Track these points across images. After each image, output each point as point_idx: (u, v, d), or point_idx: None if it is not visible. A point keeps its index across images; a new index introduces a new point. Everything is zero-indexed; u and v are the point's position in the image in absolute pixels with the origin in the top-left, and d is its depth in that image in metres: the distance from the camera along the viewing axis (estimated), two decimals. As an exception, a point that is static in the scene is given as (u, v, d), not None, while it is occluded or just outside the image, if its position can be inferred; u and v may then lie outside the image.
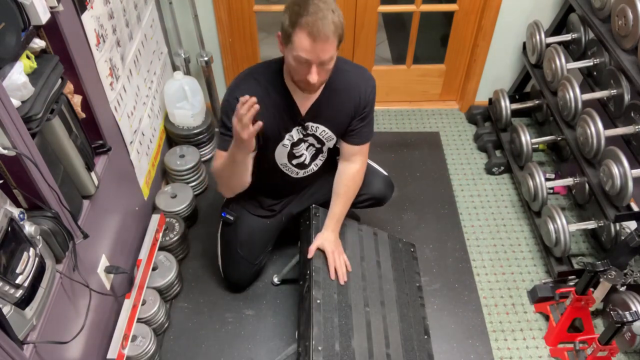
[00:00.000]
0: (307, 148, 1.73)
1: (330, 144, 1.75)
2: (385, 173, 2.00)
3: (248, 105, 1.31)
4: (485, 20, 2.48)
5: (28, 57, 1.24)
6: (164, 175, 2.39)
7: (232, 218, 1.89)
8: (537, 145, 2.41)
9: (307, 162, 1.77)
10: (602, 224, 2.03)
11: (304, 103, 1.61)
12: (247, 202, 1.92)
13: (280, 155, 1.72)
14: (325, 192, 1.83)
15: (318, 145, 1.73)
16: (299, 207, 1.93)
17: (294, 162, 1.75)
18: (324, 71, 1.43)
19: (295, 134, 1.66)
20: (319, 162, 1.81)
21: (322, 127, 1.67)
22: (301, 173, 1.80)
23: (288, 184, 1.85)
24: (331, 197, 1.78)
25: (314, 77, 1.39)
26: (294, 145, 1.69)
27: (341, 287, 1.66)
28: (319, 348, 1.46)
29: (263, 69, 1.60)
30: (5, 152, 1.09)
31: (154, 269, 1.91)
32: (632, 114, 1.84)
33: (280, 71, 1.57)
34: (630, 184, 1.69)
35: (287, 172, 1.78)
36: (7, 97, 1.09)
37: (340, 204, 1.75)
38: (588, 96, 2.00)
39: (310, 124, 1.65)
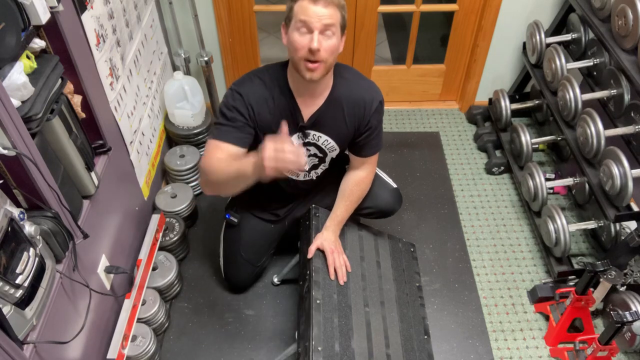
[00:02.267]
0: (308, 157, 1.70)
1: (333, 154, 1.72)
2: (394, 185, 1.96)
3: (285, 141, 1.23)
4: (485, 20, 2.48)
5: (28, 57, 1.24)
6: (164, 175, 2.39)
7: (236, 220, 1.89)
8: (537, 145, 2.41)
9: (306, 168, 1.75)
10: (602, 224, 2.03)
11: (307, 109, 1.58)
12: (252, 205, 1.91)
13: None
14: (332, 199, 1.81)
15: (320, 155, 1.71)
16: (303, 212, 1.92)
17: None
18: (328, 47, 1.38)
19: (295, 139, 1.64)
20: (319, 171, 1.79)
21: (324, 137, 1.64)
22: (302, 176, 1.79)
23: (290, 187, 1.83)
24: (336, 199, 1.78)
25: (315, 43, 1.35)
26: None
27: (341, 287, 1.66)
28: (319, 348, 1.46)
29: (269, 70, 1.58)
30: (5, 152, 1.09)
31: (154, 269, 1.91)
32: (632, 114, 1.84)
33: (285, 74, 1.55)
34: (630, 184, 1.69)
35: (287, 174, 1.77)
36: (7, 97, 1.09)
37: (343, 207, 1.75)
38: (588, 96, 2.00)
39: (311, 132, 1.63)
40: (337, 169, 1.83)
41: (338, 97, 1.58)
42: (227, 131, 1.51)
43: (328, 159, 1.75)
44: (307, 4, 1.35)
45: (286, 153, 1.24)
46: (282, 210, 1.92)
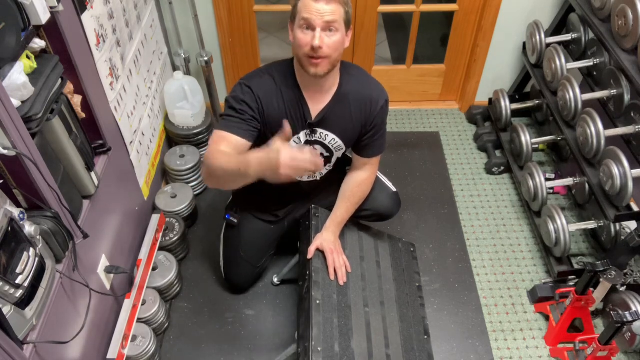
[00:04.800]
0: None
1: (339, 154, 1.73)
2: (394, 189, 1.96)
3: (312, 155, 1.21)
4: (485, 20, 2.48)
5: (28, 57, 1.24)
6: (164, 175, 2.39)
7: (235, 221, 1.89)
8: (537, 145, 2.41)
9: (321, 170, 1.75)
10: (602, 224, 2.03)
11: (315, 106, 1.59)
12: (252, 206, 1.91)
13: None
14: (332, 201, 1.81)
15: (327, 155, 1.71)
16: (303, 212, 1.91)
17: None
18: (331, 43, 1.40)
19: (302, 137, 1.64)
20: (324, 171, 1.79)
21: (331, 135, 1.65)
22: (305, 177, 1.79)
23: (292, 188, 1.83)
24: (336, 200, 1.77)
25: (316, 40, 1.38)
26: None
27: (341, 287, 1.66)
28: (319, 349, 1.46)
29: (277, 66, 1.60)
30: (5, 152, 1.09)
31: (154, 269, 1.91)
32: (632, 114, 1.84)
33: (293, 70, 1.56)
34: (630, 184, 1.69)
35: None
36: (7, 97, 1.09)
37: (343, 208, 1.75)
38: (588, 96, 2.00)
39: (319, 130, 1.63)
40: (339, 171, 1.83)
41: (345, 93, 1.59)
42: (234, 123, 1.51)
43: (334, 159, 1.75)
44: (310, 1, 1.37)
45: (306, 161, 1.22)
46: (282, 211, 1.92)
